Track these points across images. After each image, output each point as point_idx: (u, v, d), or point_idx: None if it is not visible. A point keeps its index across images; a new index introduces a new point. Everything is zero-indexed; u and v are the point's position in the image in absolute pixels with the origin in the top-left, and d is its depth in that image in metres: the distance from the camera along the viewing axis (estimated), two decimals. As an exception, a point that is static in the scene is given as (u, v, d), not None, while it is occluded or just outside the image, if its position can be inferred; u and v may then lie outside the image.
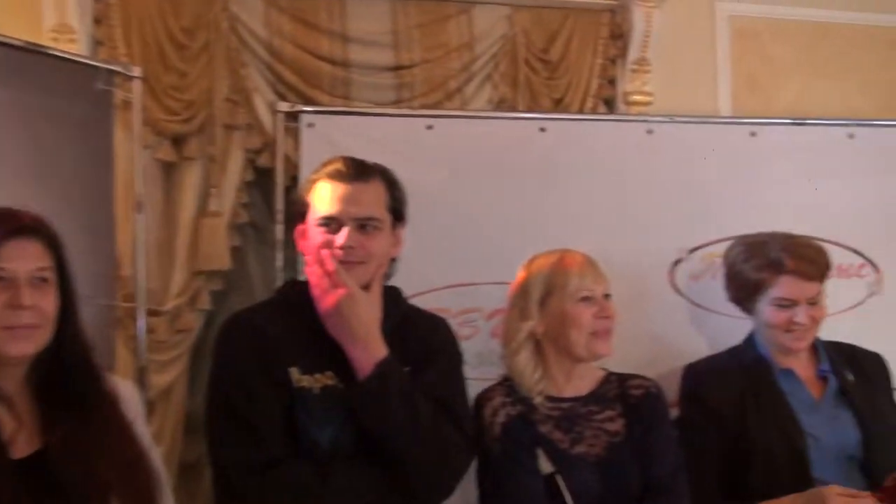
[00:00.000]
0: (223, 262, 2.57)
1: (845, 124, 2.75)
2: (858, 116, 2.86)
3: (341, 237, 1.67)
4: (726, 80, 2.93)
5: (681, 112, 2.73)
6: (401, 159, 1.92)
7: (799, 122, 2.75)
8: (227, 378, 1.68)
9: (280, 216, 2.54)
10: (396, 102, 2.66)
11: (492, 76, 2.75)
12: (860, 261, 2.68)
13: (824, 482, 1.96)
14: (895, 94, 3.04)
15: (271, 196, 2.59)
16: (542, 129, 2.59)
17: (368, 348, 1.62)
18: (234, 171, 2.59)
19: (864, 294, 2.67)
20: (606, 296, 1.94)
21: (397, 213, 1.78)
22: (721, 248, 2.37)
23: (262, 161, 2.60)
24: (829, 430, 2.06)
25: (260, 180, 2.65)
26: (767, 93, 2.96)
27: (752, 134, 2.69)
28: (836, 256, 2.42)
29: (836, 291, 2.23)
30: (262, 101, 2.59)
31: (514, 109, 2.71)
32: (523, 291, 1.96)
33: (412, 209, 1.83)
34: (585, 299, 1.90)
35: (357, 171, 1.72)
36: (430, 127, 2.52)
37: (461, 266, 2.46)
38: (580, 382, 1.95)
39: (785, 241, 2.14)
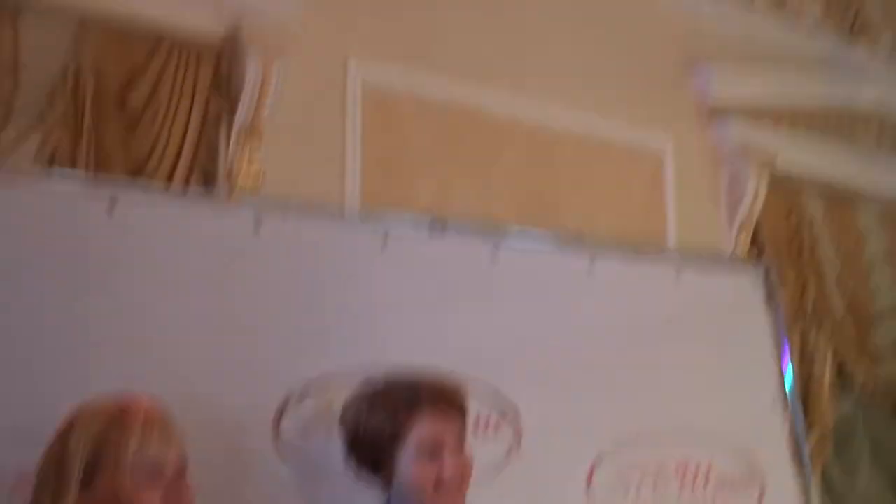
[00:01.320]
0: None
1: (491, 235, 2.69)
2: (501, 224, 2.80)
3: None
4: (356, 165, 2.73)
5: (299, 200, 2.49)
6: None
7: (439, 229, 2.62)
8: None
9: None
10: None
11: (46, 118, 2.37)
12: (499, 413, 2.52)
13: None
14: (541, 200, 3.04)
15: None
16: (113, 202, 2.20)
17: None
18: None
19: (502, 456, 2.51)
20: (180, 469, 1.61)
21: None
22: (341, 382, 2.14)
23: None
24: None
25: None
26: (403, 186, 2.80)
27: (385, 237, 2.52)
28: (473, 406, 2.33)
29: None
30: None
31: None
32: (58, 460, 1.57)
33: None
34: (151, 475, 1.57)
35: None
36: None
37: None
38: None
39: (410, 378, 2.03)
